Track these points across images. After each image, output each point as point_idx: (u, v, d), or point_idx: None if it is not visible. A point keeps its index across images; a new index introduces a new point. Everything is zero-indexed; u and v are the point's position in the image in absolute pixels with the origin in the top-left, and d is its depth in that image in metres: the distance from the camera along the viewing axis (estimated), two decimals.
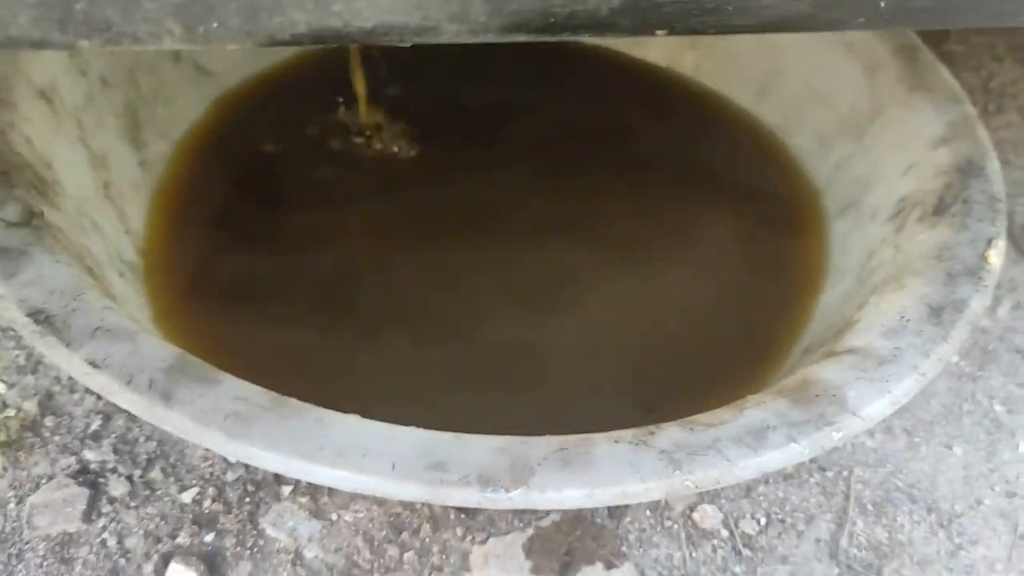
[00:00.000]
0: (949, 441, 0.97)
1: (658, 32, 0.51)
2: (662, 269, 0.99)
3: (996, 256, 0.78)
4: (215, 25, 0.47)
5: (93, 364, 0.60)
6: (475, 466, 0.60)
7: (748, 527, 0.88)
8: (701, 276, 0.99)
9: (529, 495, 0.59)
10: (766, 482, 0.91)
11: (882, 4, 0.50)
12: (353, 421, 0.61)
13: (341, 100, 1.10)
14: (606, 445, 0.63)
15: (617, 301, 0.96)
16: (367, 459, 0.58)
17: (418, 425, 0.62)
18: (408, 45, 0.51)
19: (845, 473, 0.93)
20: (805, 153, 1.05)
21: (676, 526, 0.87)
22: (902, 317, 0.74)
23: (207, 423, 0.59)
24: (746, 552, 0.86)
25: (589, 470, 0.61)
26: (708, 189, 1.07)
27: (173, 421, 0.59)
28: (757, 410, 0.66)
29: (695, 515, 0.88)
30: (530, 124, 1.13)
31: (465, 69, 1.05)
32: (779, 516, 0.89)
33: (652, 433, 0.64)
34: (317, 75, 1.11)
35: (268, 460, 0.58)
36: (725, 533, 0.88)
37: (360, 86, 1.04)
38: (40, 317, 0.61)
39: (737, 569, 0.85)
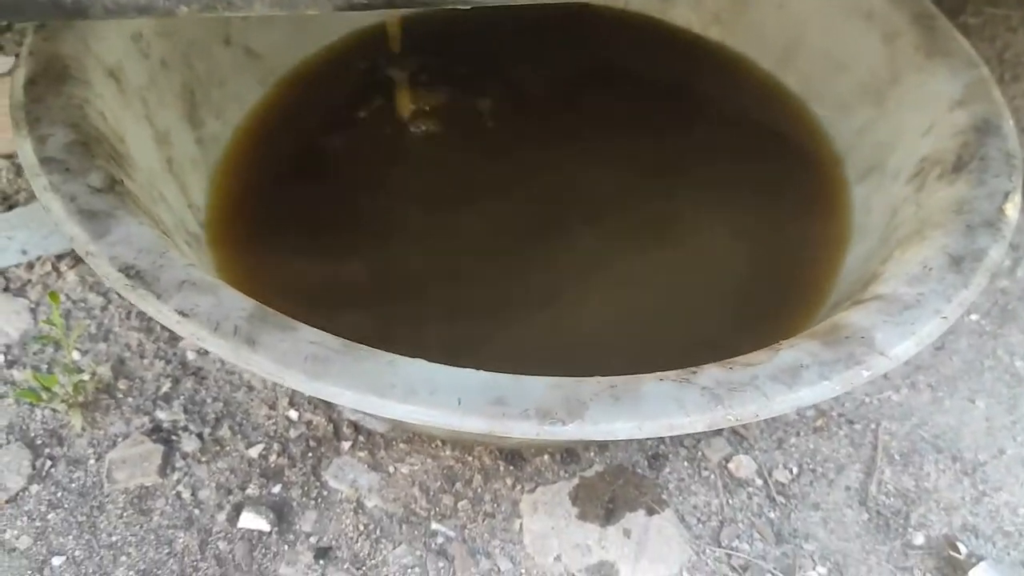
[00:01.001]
0: (972, 395, 1.01)
1: None
2: (694, 234, 1.04)
3: (1013, 209, 0.82)
4: None
5: (182, 313, 0.65)
6: (534, 401, 0.64)
7: (781, 476, 0.93)
8: (733, 240, 1.03)
9: (584, 427, 0.64)
10: (797, 434, 0.96)
11: None
12: (420, 363, 0.66)
13: (380, 80, 1.16)
14: (652, 383, 0.67)
15: (653, 266, 1.00)
16: (436, 395, 0.63)
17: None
18: (468, 7, 0.56)
19: (873, 426, 0.97)
20: (828, 120, 1.10)
21: (713, 475, 0.92)
22: (924, 266, 0.78)
23: (289, 364, 0.64)
24: (780, 499, 0.91)
25: (638, 405, 0.65)
26: (737, 152, 1.11)
27: (258, 363, 0.64)
28: (791, 351, 0.71)
29: (731, 465, 0.93)
30: (564, 93, 1.18)
31: (499, 45, 1.11)
32: (810, 466, 0.94)
33: (695, 372, 0.69)
34: (358, 56, 1.17)
35: (345, 397, 0.63)
36: (759, 482, 0.92)
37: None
38: (131, 272, 0.67)
39: (772, 515, 0.90)
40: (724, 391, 0.67)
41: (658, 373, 0.69)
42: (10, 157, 1.10)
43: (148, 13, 0.51)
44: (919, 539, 0.89)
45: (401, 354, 0.68)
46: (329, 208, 1.02)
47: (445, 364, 0.67)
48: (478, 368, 0.67)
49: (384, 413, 0.63)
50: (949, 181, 0.87)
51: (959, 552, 0.88)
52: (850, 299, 0.83)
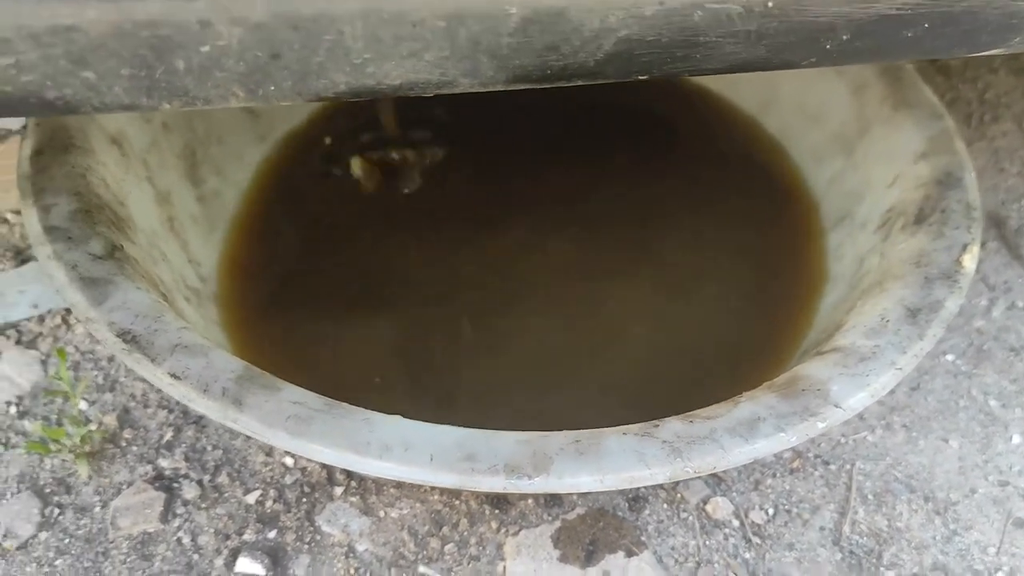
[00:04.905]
0: (945, 435, 1.04)
1: (640, 77, 0.60)
2: (673, 278, 1.08)
3: (970, 260, 0.86)
4: (272, 88, 0.57)
5: (175, 376, 0.70)
6: (502, 457, 0.69)
7: (757, 517, 0.96)
8: (712, 283, 1.07)
9: (548, 481, 0.68)
10: (774, 475, 0.99)
11: (828, 46, 0.59)
12: (396, 421, 0.70)
13: (380, 137, 1.21)
14: (615, 437, 0.71)
15: (632, 309, 1.04)
16: (409, 452, 0.68)
17: (456, 421, 0.72)
18: (430, 95, 0.61)
19: (848, 466, 1.00)
20: (804, 166, 1.14)
21: (691, 517, 0.96)
22: (882, 318, 0.82)
23: (272, 424, 0.68)
24: (755, 540, 0.94)
25: (600, 459, 0.70)
26: (719, 192, 1.16)
27: (243, 423, 0.68)
28: (749, 404, 0.75)
29: (708, 507, 0.96)
30: (549, 133, 1.23)
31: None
32: (786, 507, 0.97)
33: (656, 426, 0.73)
34: (353, 112, 1.23)
35: (324, 455, 0.68)
36: (736, 523, 0.96)
37: (389, 121, 1.15)
38: (128, 337, 0.72)
39: (747, 555, 0.93)
40: (683, 444, 0.71)
41: (621, 427, 0.73)
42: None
43: (133, 110, 0.56)
44: None
45: (388, 407, 0.72)
46: (330, 259, 1.07)
47: (424, 420, 0.71)
48: (463, 420, 0.72)
49: (360, 469, 0.67)
50: (911, 232, 0.91)
51: None
52: (815, 349, 0.86)
